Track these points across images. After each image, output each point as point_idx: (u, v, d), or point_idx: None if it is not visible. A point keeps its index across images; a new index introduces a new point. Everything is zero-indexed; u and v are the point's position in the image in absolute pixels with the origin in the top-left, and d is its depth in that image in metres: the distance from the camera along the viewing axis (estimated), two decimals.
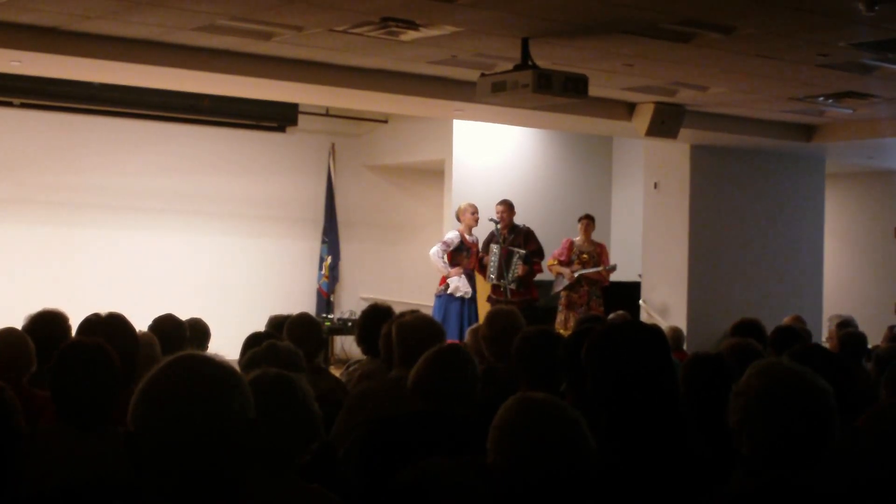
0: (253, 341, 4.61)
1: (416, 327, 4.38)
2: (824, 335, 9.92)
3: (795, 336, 5.55)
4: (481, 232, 10.33)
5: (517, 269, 9.91)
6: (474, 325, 6.06)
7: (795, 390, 2.40)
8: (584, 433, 2.30)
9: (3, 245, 10.63)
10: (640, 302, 11.29)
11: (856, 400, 3.57)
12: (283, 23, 6.69)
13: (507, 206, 10.17)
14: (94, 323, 4.35)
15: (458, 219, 10.31)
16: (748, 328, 5.62)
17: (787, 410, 2.38)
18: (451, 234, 10.24)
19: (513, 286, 9.90)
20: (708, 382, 3.63)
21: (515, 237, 10.11)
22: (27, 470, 2.93)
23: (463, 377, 3.55)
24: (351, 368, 5.68)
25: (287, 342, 3.94)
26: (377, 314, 5.02)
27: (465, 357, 3.62)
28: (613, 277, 10.64)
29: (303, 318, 5.29)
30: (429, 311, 9.56)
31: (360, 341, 5.15)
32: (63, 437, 3.09)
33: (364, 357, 5.28)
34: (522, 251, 9.96)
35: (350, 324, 11.51)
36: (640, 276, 11.54)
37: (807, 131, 10.80)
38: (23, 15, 6.60)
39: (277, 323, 5.63)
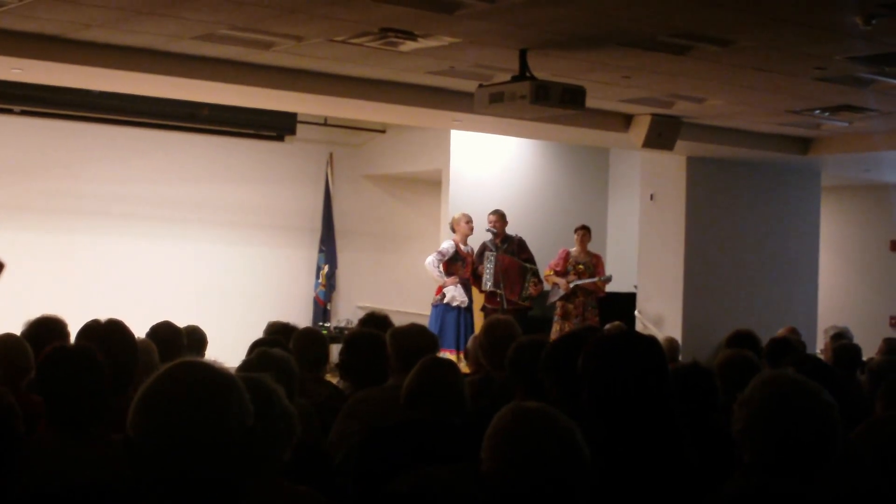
0: (256, 347, 4.62)
1: (410, 336, 4.47)
2: (819, 347, 9.95)
3: (790, 348, 5.57)
4: (476, 242, 10.37)
5: (530, 286, 10.01)
6: (476, 334, 6.11)
7: (799, 402, 2.43)
8: (579, 442, 2.31)
9: (2, 251, 10.62)
10: (636, 313, 11.30)
11: (850, 412, 3.60)
12: (283, 33, 6.72)
13: (500, 216, 10.23)
14: (93, 329, 4.36)
15: (453, 229, 10.36)
16: (743, 340, 5.64)
17: (789, 421, 2.40)
18: (447, 244, 10.28)
19: (528, 303, 10.02)
20: (686, 393, 3.64)
21: (509, 246, 10.17)
22: (21, 474, 2.95)
23: (452, 385, 3.64)
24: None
25: (278, 349, 3.96)
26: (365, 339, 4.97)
27: (451, 367, 3.77)
28: (609, 288, 10.66)
29: (309, 331, 5.38)
30: (425, 321, 9.60)
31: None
32: (56, 442, 3.10)
33: None
34: (535, 267, 10.09)
35: (347, 332, 11.51)
36: (635, 286, 11.56)
37: (803, 144, 10.84)
38: (24, 23, 6.62)
39: (278, 329, 5.66)
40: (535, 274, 10.11)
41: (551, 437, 2.29)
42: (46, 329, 4.58)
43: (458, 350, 9.60)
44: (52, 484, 2.89)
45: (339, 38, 6.81)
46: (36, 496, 2.85)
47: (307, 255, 12.65)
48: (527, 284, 10.05)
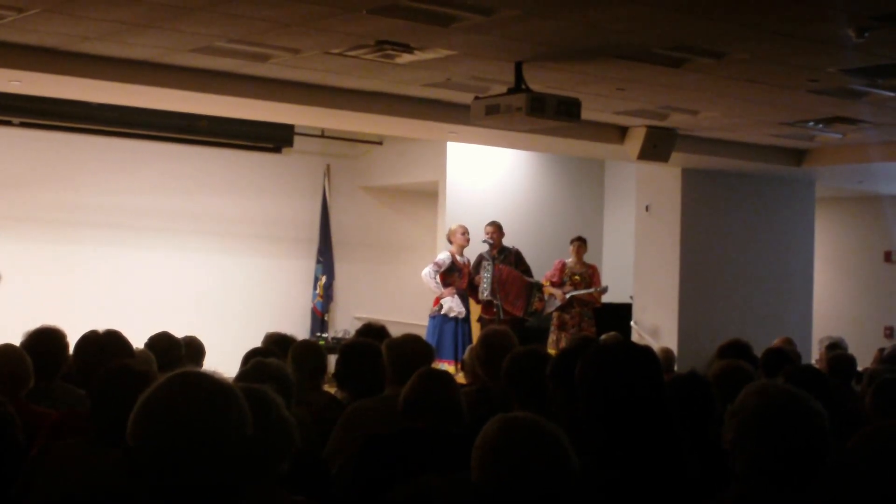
0: (250, 357, 4.64)
1: (406, 347, 4.51)
2: (814, 357, 9.98)
3: (785, 358, 5.58)
4: (472, 253, 10.41)
5: (535, 302, 10.14)
6: (473, 345, 6.13)
7: (790, 411, 2.44)
8: (566, 449, 2.33)
9: (1, 262, 10.65)
10: (632, 323, 11.32)
11: (844, 422, 3.62)
12: (280, 45, 6.76)
13: (497, 227, 10.29)
14: (91, 340, 4.40)
15: (449, 240, 10.41)
16: (736, 350, 5.64)
17: (780, 431, 2.42)
18: (443, 255, 10.31)
19: (530, 318, 10.10)
20: (684, 403, 3.66)
21: (506, 257, 10.22)
22: (41, 484, 2.96)
23: (449, 395, 3.67)
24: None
25: (274, 359, 3.99)
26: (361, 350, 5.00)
27: (446, 377, 3.83)
28: (605, 299, 10.69)
29: (307, 342, 5.39)
30: (423, 332, 9.62)
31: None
32: (81, 452, 3.11)
33: None
34: (539, 282, 10.19)
35: (343, 343, 11.53)
36: (631, 297, 11.59)
37: (797, 156, 10.89)
38: (23, 36, 6.66)
39: (275, 340, 5.69)
40: (540, 289, 10.22)
41: (537, 446, 2.32)
42: (46, 340, 4.58)
43: (456, 361, 9.63)
44: (72, 492, 2.91)
45: (336, 51, 6.84)
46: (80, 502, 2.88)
47: (305, 266, 12.67)
48: (533, 300, 10.15)
